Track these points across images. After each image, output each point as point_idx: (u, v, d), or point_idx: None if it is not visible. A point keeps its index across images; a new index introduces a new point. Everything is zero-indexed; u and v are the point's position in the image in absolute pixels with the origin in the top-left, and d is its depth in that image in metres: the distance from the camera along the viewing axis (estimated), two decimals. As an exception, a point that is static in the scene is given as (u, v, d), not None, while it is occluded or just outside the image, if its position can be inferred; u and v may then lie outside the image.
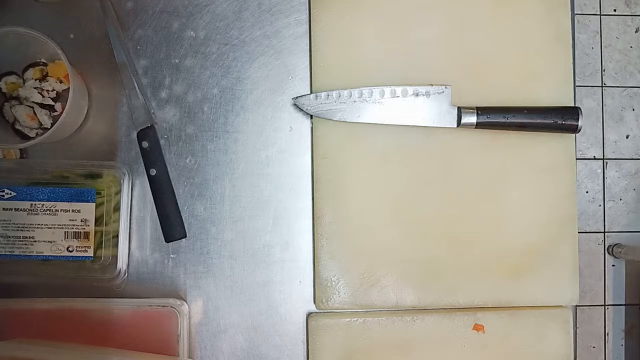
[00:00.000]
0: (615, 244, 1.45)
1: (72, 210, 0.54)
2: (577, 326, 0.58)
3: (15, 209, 0.53)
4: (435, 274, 0.56)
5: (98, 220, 0.54)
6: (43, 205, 0.53)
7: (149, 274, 0.56)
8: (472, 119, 0.55)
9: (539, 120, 0.55)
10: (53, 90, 0.54)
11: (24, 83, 0.54)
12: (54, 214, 0.53)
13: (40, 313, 0.53)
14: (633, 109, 1.47)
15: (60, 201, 0.53)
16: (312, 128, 0.58)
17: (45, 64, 0.54)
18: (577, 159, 0.58)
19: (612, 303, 1.45)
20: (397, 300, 0.56)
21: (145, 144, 0.55)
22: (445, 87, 0.56)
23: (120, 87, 0.56)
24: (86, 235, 0.54)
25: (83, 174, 0.54)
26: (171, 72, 0.57)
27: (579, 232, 0.58)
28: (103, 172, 0.54)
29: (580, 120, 0.55)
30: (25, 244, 0.53)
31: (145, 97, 0.56)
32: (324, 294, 0.56)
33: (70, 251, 0.54)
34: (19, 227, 0.53)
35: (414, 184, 0.57)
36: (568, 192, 0.58)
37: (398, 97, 0.56)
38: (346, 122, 0.56)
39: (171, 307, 0.53)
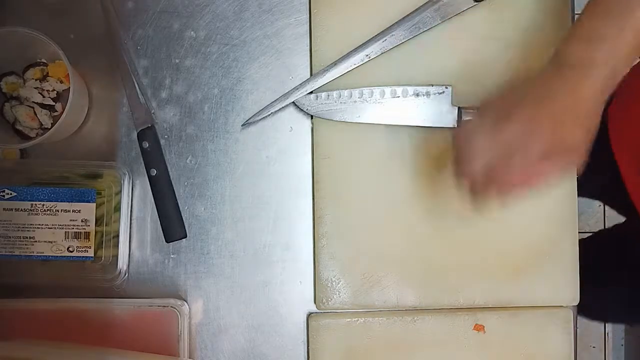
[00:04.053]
0: (615, 244, 1.44)
1: (73, 211, 0.54)
2: (577, 326, 0.58)
3: (15, 209, 0.53)
4: (436, 274, 0.56)
5: (98, 221, 0.54)
6: (43, 205, 0.53)
7: (150, 274, 0.56)
8: (473, 119, 0.55)
9: (539, 121, 0.55)
10: (53, 90, 0.54)
11: (24, 83, 0.54)
12: (55, 214, 0.53)
13: (41, 313, 0.53)
14: (633, 109, 1.47)
15: (61, 201, 0.53)
16: (312, 128, 0.58)
17: (45, 64, 0.54)
18: (577, 159, 0.58)
19: (612, 303, 1.45)
20: (397, 301, 0.56)
21: (145, 144, 0.55)
22: (446, 87, 0.56)
23: (121, 87, 0.56)
24: (87, 235, 0.54)
25: (83, 174, 0.54)
26: (171, 72, 0.57)
27: (579, 232, 0.58)
28: (103, 173, 0.54)
29: (580, 120, 0.55)
30: (25, 244, 0.53)
31: (145, 97, 0.56)
32: (324, 294, 0.56)
33: (71, 251, 0.54)
34: (19, 227, 0.53)
35: (414, 184, 0.57)
36: (568, 192, 0.58)
37: (398, 97, 0.56)
38: (346, 122, 0.56)
39: (172, 307, 0.53)
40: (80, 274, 0.54)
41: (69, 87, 0.51)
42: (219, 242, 0.56)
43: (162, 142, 0.56)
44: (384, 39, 0.56)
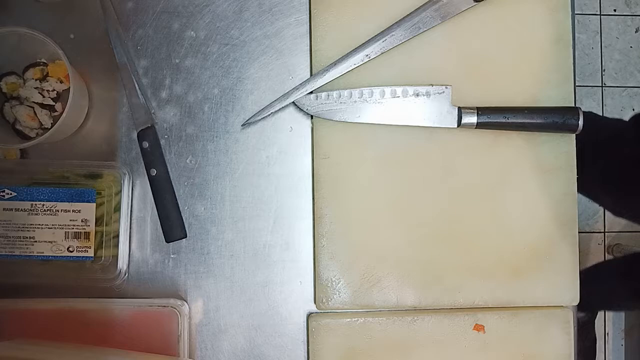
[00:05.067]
0: (615, 244, 1.45)
1: (73, 211, 0.54)
2: (577, 326, 0.58)
3: (15, 209, 0.53)
4: (436, 274, 0.56)
5: (98, 221, 0.54)
6: (43, 205, 0.53)
7: (150, 274, 0.56)
8: (473, 119, 0.55)
9: (539, 121, 0.55)
10: (53, 90, 0.54)
11: (24, 83, 0.54)
12: (55, 214, 0.53)
13: (41, 313, 0.53)
14: (633, 109, 1.47)
15: (61, 201, 0.53)
16: (312, 128, 0.58)
17: (45, 64, 0.54)
18: (577, 159, 0.58)
19: (612, 303, 1.45)
20: (397, 301, 0.56)
21: (145, 144, 0.55)
22: (446, 87, 0.56)
23: (121, 87, 0.56)
24: (86, 235, 0.54)
25: (83, 174, 0.54)
26: (171, 72, 0.57)
27: (579, 232, 0.58)
28: (103, 172, 0.54)
29: (580, 120, 0.55)
30: (25, 244, 0.53)
31: (145, 97, 0.56)
32: (324, 294, 0.56)
33: (71, 251, 0.54)
34: (19, 227, 0.53)
35: (414, 184, 0.57)
36: (568, 192, 0.58)
37: (398, 97, 0.56)
38: (346, 122, 0.56)
39: (172, 307, 0.53)
40: (80, 274, 0.54)
41: (69, 87, 0.51)
42: (219, 242, 0.56)
43: (162, 142, 0.56)
44: (384, 39, 0.56)
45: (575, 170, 0.58)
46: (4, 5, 0.56)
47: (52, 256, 0.54)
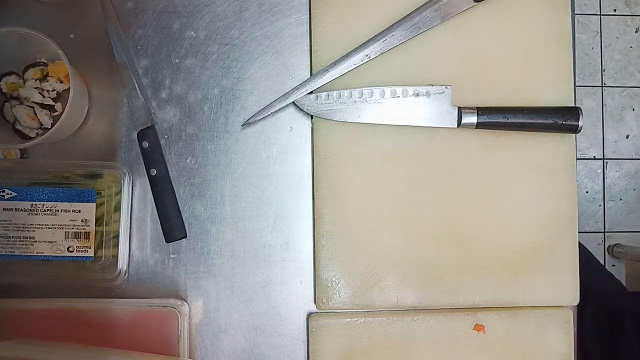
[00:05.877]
0: (615, 244, 1.45)
1: (73, 211, 0.54)
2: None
3: (15, 209, 0.53)
4: (436, 274, 0.56)
5: (98, 221, 0.54)
6: (43, 205, 0.53)
7: (150, 274, 0.56)
8: (473, 119, 0.55)
9: (539, 121, 0.55)
10: (53, 90, 0.54)
11: (24, 83, 0.54)
12: (55, 214, 0.53)
13: (41, 313, 0.53)
14: (633, 109, 1.47)
15: (61, 201, 0.53)
16: (312, 128, 0.58)
17: (45, 64, 0.54)
18: (577, 159, 0.58)
19: (612, 303, 1.45)
20: (397, 301, 0.56)
21: (145, 144, 0.55)
22: (446, 87, 0.56)
23: (121, 87, 0.56)
24: (86, 235, 0.54)
25: (83, 174, 0.54)
26: (171, 72, 0.57)
27: (579, 232, 0.58)
28: (103, 172, 0.54)
29: (580, 120, 0.55)
30: (25, 244, 0.53)
31: (145, 97, 0.56)
32: (324, 294, 0.56)
33: (71, 251, 0.54)
34: (19, 227, 0.53)
35: (414, 184, 0.57)
36: (568, 192, 0.58)
37: (398, 97, 0.56)
38: (346, 122, 0.56)
39: (172, 307, 0.53)
40: (80, 274, 0.54)
41: (69, 87, 0.51)
42: (219, 242, 0.56)
43: (162, 142, 0.56)
44: (384, 39, 0.56)
45: (575, 170, 0.58)
46: (4, 5, 0.56)
47: (52, 256, 0.54)
